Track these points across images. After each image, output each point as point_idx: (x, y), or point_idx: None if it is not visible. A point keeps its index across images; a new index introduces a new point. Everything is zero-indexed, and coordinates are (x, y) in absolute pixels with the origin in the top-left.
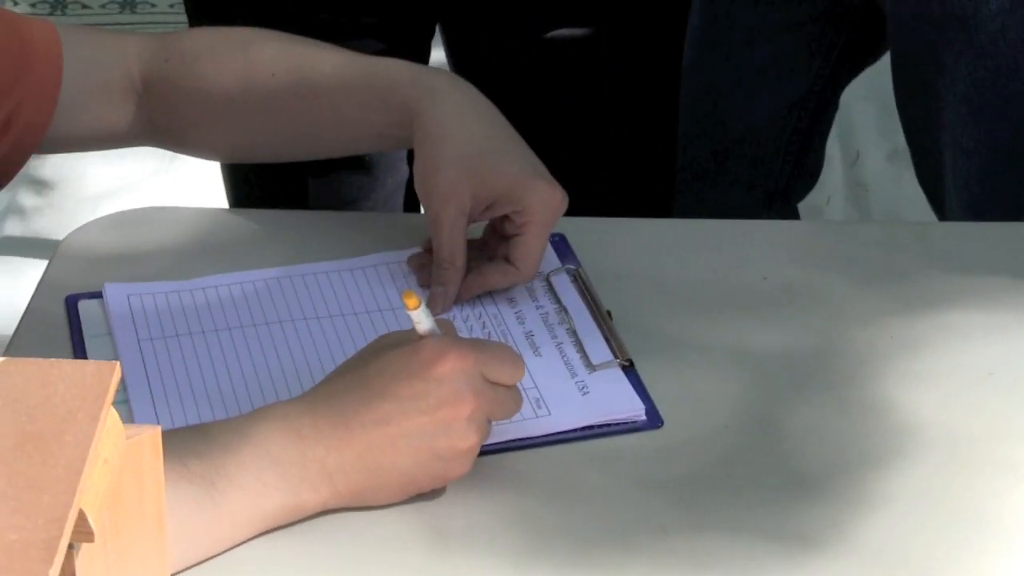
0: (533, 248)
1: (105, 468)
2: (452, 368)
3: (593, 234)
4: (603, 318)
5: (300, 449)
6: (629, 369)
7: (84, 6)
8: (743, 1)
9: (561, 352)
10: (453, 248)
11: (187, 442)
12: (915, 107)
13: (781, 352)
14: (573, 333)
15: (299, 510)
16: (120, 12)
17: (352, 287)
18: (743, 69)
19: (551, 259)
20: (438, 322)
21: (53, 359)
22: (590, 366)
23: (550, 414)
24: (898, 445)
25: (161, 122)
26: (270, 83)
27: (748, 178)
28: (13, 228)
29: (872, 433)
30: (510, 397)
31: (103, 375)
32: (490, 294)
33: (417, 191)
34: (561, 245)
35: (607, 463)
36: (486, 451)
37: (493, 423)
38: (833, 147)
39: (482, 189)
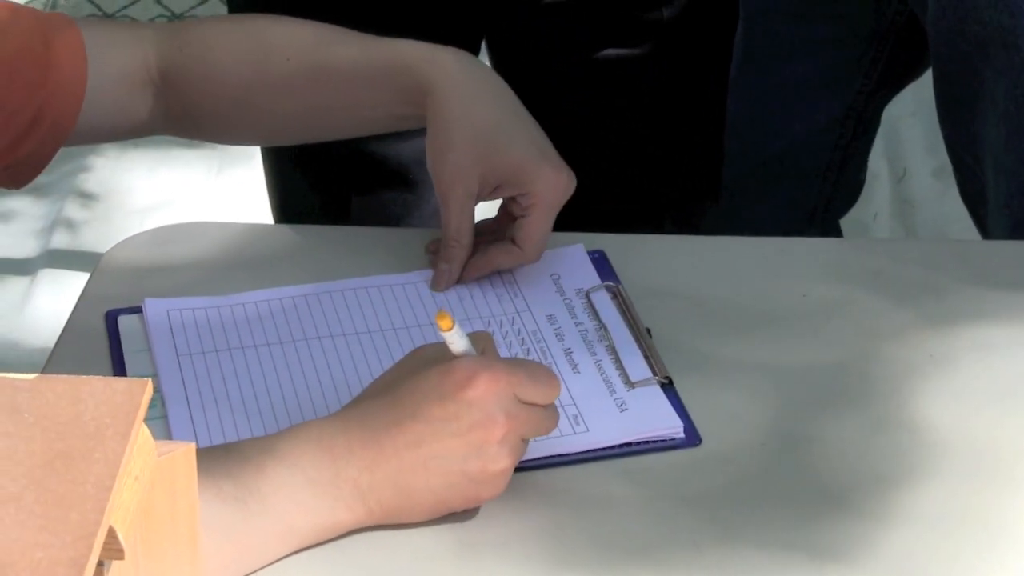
0: (537, 230)
1: (136, 485)
2: (484, 390)
3: (632, 251)
4: (642, 335)
5: (334, 469)
6: (668, 387)
7: (132, 20)
8: (784, 17)
9: (600, 369)
10: (460, 227)
11: (220, 462)
12: (956, 125)
13: (819, 370)
14: (612, 350)
15: (333, 529)
16: None
17: (392, 303)
18: (784, 85)
19: (591, 276)
20: (476, 337)
21: (84, 376)
22: (629, 383)
23: (588, 431)
24: (934, 464)
25: (178, 111)
26: (284, 68)
27: (789, 195)
28: (60, 241)
29: (908, 451)
30: (546, 416)
31: (134, 392)
32: (529, 310)
33: (428, 169)
34: (601, 262)
35: (641, 478)
36: (523, 467)
37: (531, 440)
38: (880, 163)
39: (490, 171)
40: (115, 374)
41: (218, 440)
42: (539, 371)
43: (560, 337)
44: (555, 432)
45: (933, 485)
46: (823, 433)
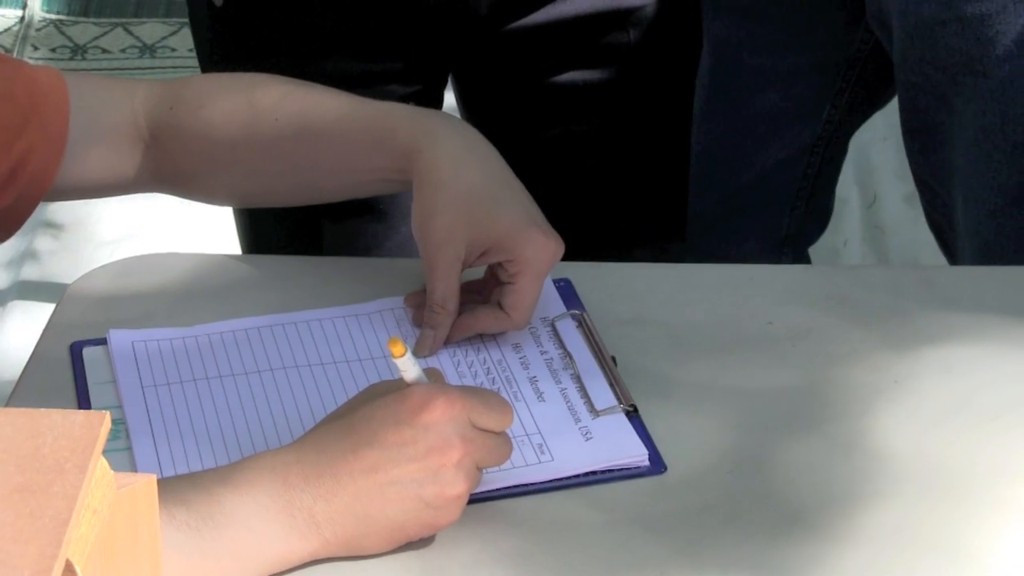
0: (525, 297)
1: (95, 518)
2: (440, 415)
3: (598, 279)
4: (607, 364)
5: (288, 497)
6: (633, 415)
7: (104, 51)
8: (752, 49)
9: (565, 397)
10: (446, 293)
11: (175, 490)
12: (924, 152)
13: (785, 395)
14: (577, 379)
15: (288, 558)
16: (140, 57)
17: (356, 333)
18: (753, 116)
19: (556, 304)
20: (427, 371)
21: (42, 409)
22: (594, 411)
23: (553, 460)
24: (897, 486)
25: (167, 169)
26: (273, 128)
27: (760, 224)
28: (30, 272)
29: (872, 475)
30: (500, 443)
31: (92, 425)
32: (495, 339)
33: (414, 234)
34: (566, 290)
35: (606, 504)
36: (489, 497)
37: (494, 470)
38: (851, 189)
39: (477, 236)
40: (79, 406)
41: (182, 470)
42: (493, 398)
43: (525, 366)
44: (520, 461)
45: (896, 507)
46: (788, 458)
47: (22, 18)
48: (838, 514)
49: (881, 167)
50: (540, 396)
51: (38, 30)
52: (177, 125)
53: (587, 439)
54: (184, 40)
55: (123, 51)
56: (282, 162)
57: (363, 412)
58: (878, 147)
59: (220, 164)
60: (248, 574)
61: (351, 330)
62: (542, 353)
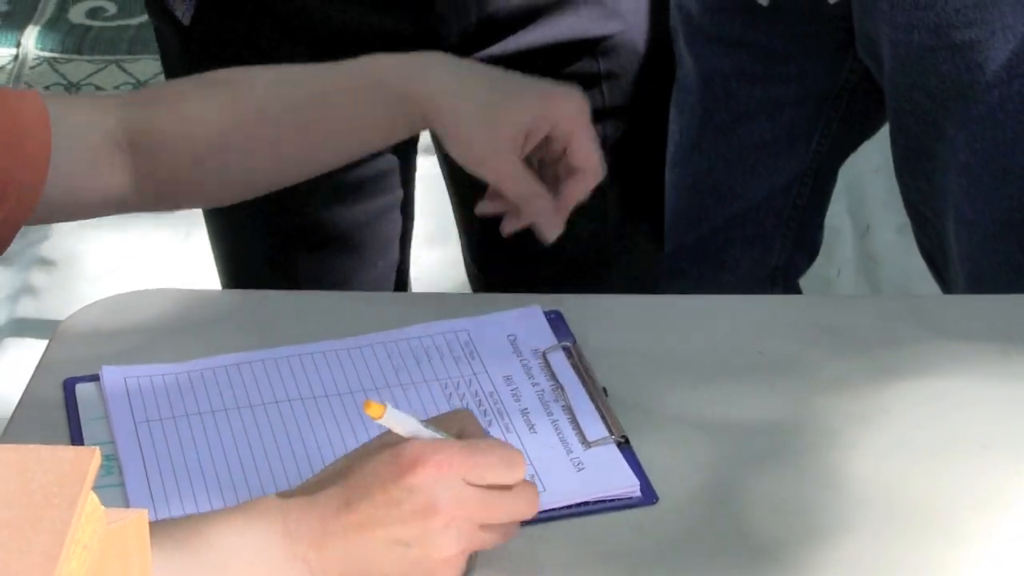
0: (586, 145)
1: (85, 554)
2: (429, 476)
3: (589, 311)
4: (598, 395)
5: (286, 546)
6: (624, 446)
7: (98, 88)
8: (742, 79)
9: (557, 429)
10: (529, 185)
11: (172, 533)
12: (916, 178)
13: (776, 427)
14: (569, 410)
15: None
16: None
17: (349, 366)
18: (743, 146)
19: (547, 336)
20: (454, 416)
21: (32, 445)
22: (585, 443)
23: (545, 490)
24: (891, 519)
25: (152, 177)
26: (258, 113)
27: (749, 256)
28: (25, 309)
29: (866, 507)
30: (515, 498)
31: (82, 461)
32: (486, 371)
33: (466, 164)
34: (557, 322)
35: (596, 537)
36: None
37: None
38: (843, 219)
39: (513, 128)
40: (72, 442)
41: (175, 505)
42: (496, 452)
43: (517, 398)
44: None
45: (886, 538)
46: (778, 488)
47: (16, 56)
48: (828, 545)
49: (874, 197)
50: (532, 428)
51: (32, 68)
52: (157, 126)
53: (579, 470)
54: None
55: (116, 88)
56: (273, 146)
57: (361, 466)
58: (870, 177)
59: (207, 159)
60: None
61: (343, 363)
62: (533, 385)
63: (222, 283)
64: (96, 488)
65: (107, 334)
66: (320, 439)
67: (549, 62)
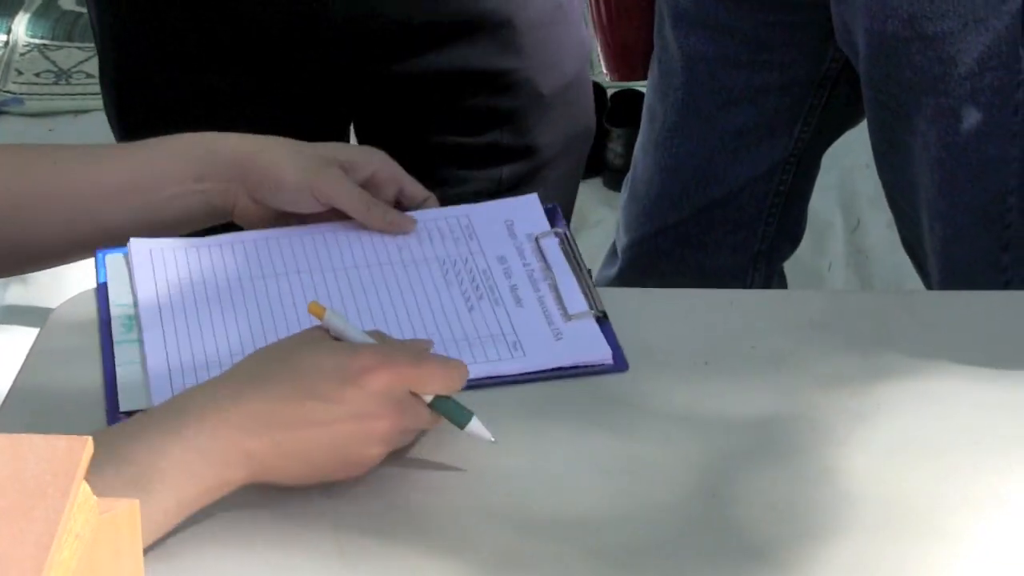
0: (415, 184)
1: (77, 543)
2: (385, 383)
3: None
4: (583, 277)
5: (225, 436)
6: (603, 320)
7: (88, 75)
8: (725, 64)
9: (541, 304)
10: (361, 195)
11: (119, 446)
12: (894, 171)
13: (769, 423)
14: (554, 288)
15: (220, 490)
16: None
17: (356, 245)
18: (725, 132)
19: (542, 223)
20: (370, 333)
21: (24, 435)
22: (567, 316)
23: (525, 355)
24: (882, 515)
25: None
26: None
27: (732, 240)
28: (15, 296)
29: (861, 503)
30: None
31: (75, 451)
32: (482, 252)
33: (290, 207)
34: (553, 212)
35: (588, 530)
36: (467, 387)
37: (472, 362)
38: (834, 214)
39: (332, 157)
40: (99, 306)
41: (188, 364)
42: (440, 367)
43: (508, 275)
44: (495, 356)
45: (878, 535)
46: (771, 483)
47: (6, 43)
48: (820, 542)
49: (864, 192)
50: (519, 302)
51: (22, 55)
52: None
53: (558, 339)
54: None
55: None
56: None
57: (311, 361)
58: (862, 173)
59: None
60: (187, 511)
61: (351, 242)
62: (524, 265)
63: None
64: (116, 343)
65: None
66: (337, 307)
67: (443, 91)
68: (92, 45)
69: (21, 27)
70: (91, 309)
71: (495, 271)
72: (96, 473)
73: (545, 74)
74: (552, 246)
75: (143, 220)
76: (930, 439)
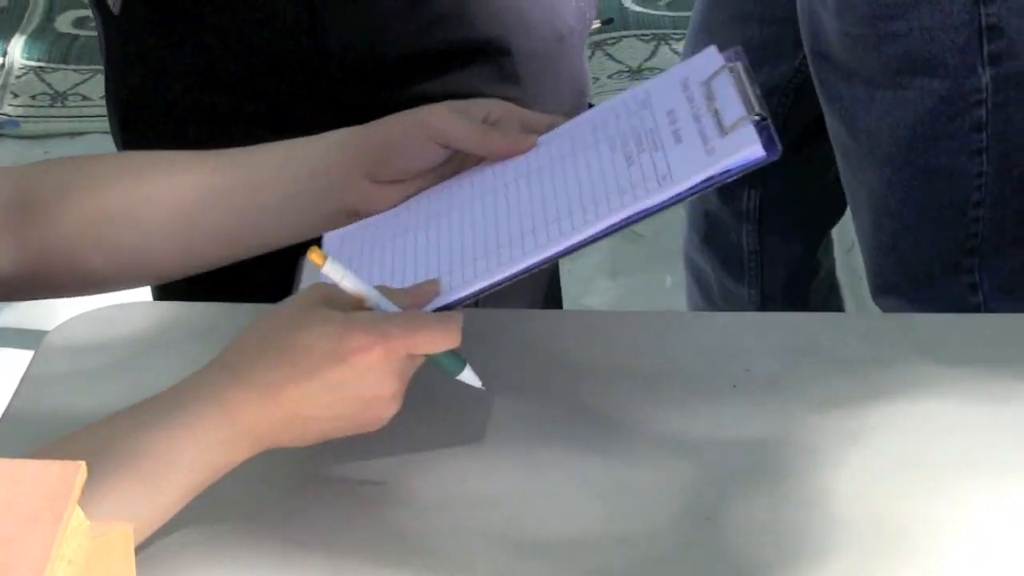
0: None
1: (70, 568)
2: (378, 359)
3: (573, 326)
4: (746, 86)
5: (230, 422)
6: (762, 123)
7: (84, 97)
8: None
9: (701, 133)
10: (472, 124)
11: (131, 439)
12: (844, 169)
13: (764, 445)
14: (715, 112)
15: (229, 467)
16: None
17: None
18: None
19: (716, 66)
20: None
21: (19, 459)
22: (723, 131)
23: (672, 181)
24: (881, 539)
25: (39, 254)
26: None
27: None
28: (8, 319)
29: (856, 527)
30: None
31: (68, 475)
32: (653, 116)
33: (400, 168)
34: (732, 55)
35: (581, 553)
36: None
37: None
38: (828, 235)
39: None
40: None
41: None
42: (434, 328)
43: (673, 122)
44: (642, 194)
45: (879, 560)
46: (766, 508)
47: (2, 65)
48: (814, 566)
49: None
50: (678, 140)
51: (18, 77)
52: (58, 185)
53: (709, 155)
54: None
55: (103, 97)
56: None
57: (304, 342)
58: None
59: (104, 240)
60: (196, 492)
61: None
62: (691, 107)
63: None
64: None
65: (93, 347)
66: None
67: None
68: (88, 67)
69: (17, 49)
70: (85, 332)
71: (661, 124)
72: (108, 463)
73: (542, 105)
74: (723, 81)
75: (262, 220)
76: (926, 461)
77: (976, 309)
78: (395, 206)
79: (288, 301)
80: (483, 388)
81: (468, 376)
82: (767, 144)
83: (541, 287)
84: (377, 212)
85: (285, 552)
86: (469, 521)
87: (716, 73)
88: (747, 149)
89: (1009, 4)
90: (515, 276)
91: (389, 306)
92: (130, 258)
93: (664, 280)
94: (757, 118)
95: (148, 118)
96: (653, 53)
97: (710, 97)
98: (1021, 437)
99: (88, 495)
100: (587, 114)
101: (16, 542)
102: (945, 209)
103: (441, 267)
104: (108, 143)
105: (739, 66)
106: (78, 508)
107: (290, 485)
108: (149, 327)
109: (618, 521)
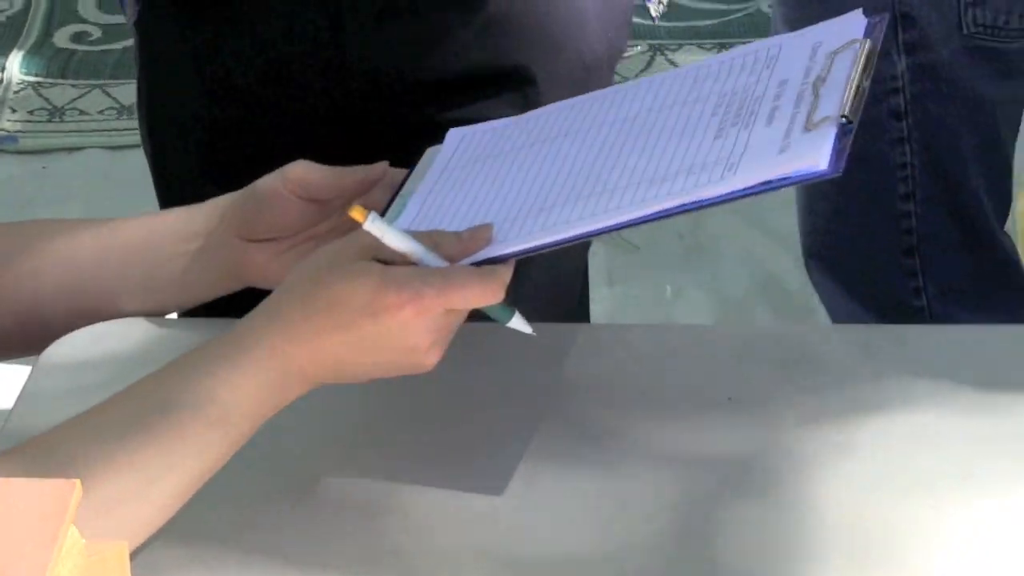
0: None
1: None
2: (412, 315)
3: (565, 341)
4: (857, 81)
5: (282, 369)
6: (847, 127)
7: (82, 112)
8: None
9: (793, 118)
10: (327, 170)
11: (193, 389)
12: None
13: (753, 460)
14: (816, 96)
15: (286, 403)
16: (117, 118)
17: (653, 88)
18: None
19: (849, 37)
20: (421, 235)
21: (13, 479)
22: (810, 124)
23: (735, 174)
24: (873, 553)
25: None
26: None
27: None
28: None
29: (848, 543)
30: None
31: (63, 494)
32: (768, 80)
33: (272, 224)
34: (873, 25)
35: (571, 570)
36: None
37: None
38: None
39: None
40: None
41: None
42: (470, 284)
43: (778, 97)
44: (705, 181)
45: (873, 572)
46: (756, 524)
47: (0, 80)
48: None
49: None
50: (770, 120)
51: (16, 92)
52: None
53: (781, 152)
54: None
55: (100, 112)
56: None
57: (338, 295)
58: None
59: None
60: (252, 433)
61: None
62: (804, 82)
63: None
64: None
65: (90, 364)
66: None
67: None
68: (86, 82)
69: (15, 64)
70: (82, 350)
71: (768, 95)
72: (182, 414)
73: None
74: (846, 57)
75: (145, 284)
76: (920, 473)
77: (920, 313)
78: (272, 265)
79: (331, 247)
80: (534, 335)
81: (518, 322)
82: (835, 157)
83: (573, 297)
84: (256, 272)
85: (281, 570)
86: (464, 539)
87: (846, 46)
88: (812, 158)
89: None
90: (557, 244)
91: (432, 260)
92: (33, 326)
93: (664, 290)
94: (843, 120)
95: (172, 127)
96: (649, 64)
97: (825, 74)
98: (1012, 450)
99: (170, 445)
100: (729, 53)
101: (11, 561)
102: (875, 198)
103: (511, 210)
104: (105, 158)
105: (868, 43)
106: (73, 527)
107: (285, 502)
108: (147, 344)
109: (612, 536)
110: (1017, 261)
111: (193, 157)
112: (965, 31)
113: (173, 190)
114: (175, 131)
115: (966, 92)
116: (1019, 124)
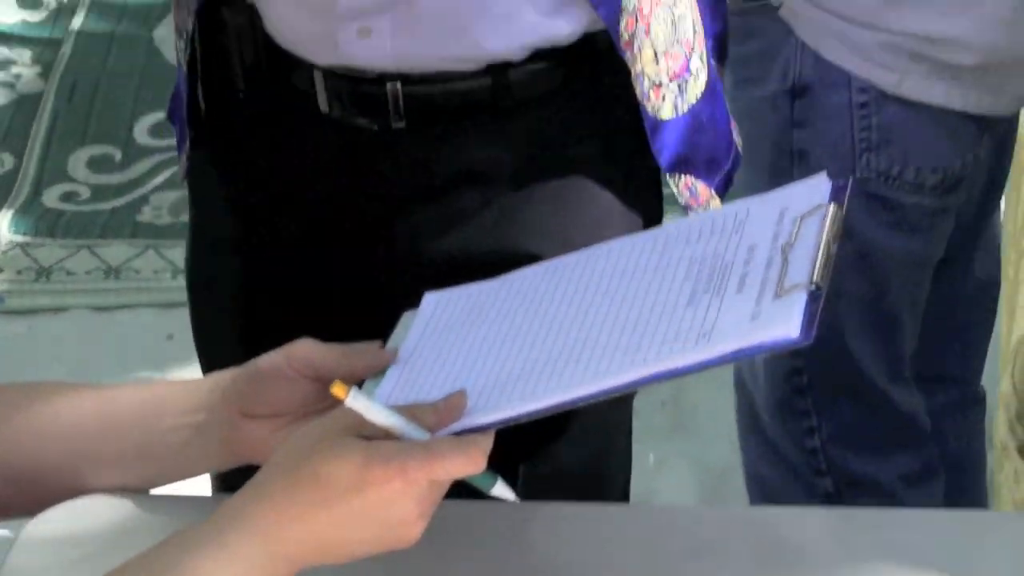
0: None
1: None
2: (400, 491)
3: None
4: (825, 246)
5: (269, 551)
6: (816, 293)
7: (69, 272)
8: None
9: (763, 285)
10: (323, 346)
11: (179, 566)
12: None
13: None
14: (785, 262)
15: None
16: (105, 279)
17: (617, 252)
18: None
19: (815, 200)
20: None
21: None
22: (780, 291)
23: (709, 343)
24: None
25: None
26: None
27: None
28: None
29: None
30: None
31: None
32: (738, 245)
33: (273, 404)
34: (839, 189)
35: None
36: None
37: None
38: None
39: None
40: None
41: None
42: (456, 455)
43: (747, 263)
44: (678, 350)
45: None
46: None
47: None
48: None
49: None
50: (741, 288)
51: (5, 252)
52: None
53: (752, 320)
54: (148, 261)
55: (88, 273)
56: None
57: (325, 472)
58: None
59: None
60: None
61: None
62: (772, 248)
63: (213, 490)
64: None
65: (73, 539)
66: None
67: None
68: (74, 242)
69: (4, 225)
70: (65, 525)
71: (737, 262)
72: None
73: None
74: (813, 222)
75: (141, 453)
76: None
77: (812, 453)
78: (271, 441)
79: (317, 424)
80: (518, 500)
81: (501, 489)
82: (805, 325)
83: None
84: (253, 448)
85: None
86: None
87: (813, 211)
88: (783, 327)
89: (815, 130)
90: (535, 414)
91: (415, 433)
92: (28, 485)
93: (647, 458)
94: (813, 288)
95: (205, 242)
96: None
97: (794, 239)
98: None
99: None
100: (699, 216)
101: None
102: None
103: (489, 378)
104: (91, 318)
105: (832, 208)
106: None
107: None
108: (131, 520)
109: None
110: (913, 415)
111: (225, 272)
112: (858, 174)
113: (211, 347)
114: (210, 247)
115: (856, 237)
116: (921, 292)
